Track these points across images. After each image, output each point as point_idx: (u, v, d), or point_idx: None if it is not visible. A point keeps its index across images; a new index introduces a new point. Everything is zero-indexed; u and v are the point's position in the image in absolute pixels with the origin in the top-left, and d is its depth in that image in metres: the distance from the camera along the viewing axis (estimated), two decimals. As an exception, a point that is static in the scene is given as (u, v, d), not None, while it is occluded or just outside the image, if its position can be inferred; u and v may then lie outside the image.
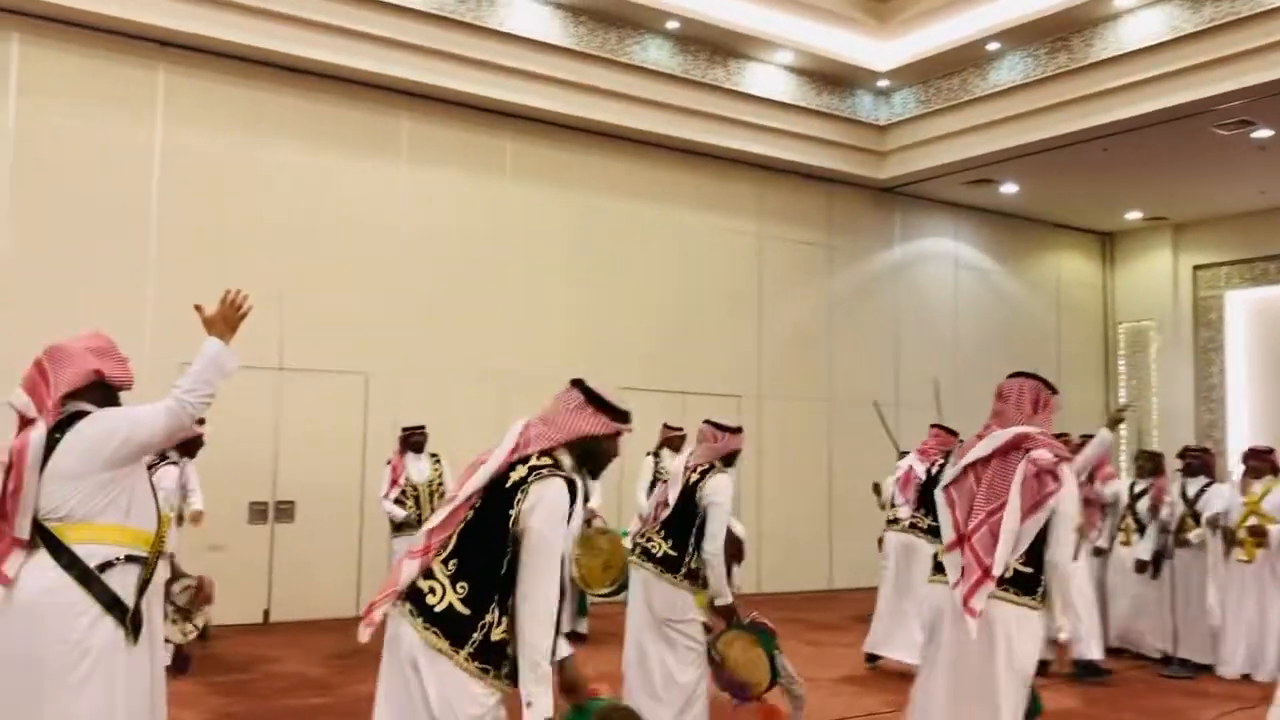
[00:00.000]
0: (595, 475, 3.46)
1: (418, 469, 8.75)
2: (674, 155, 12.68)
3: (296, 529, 10.27)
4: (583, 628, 8.98)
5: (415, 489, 8.65)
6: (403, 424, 9.20)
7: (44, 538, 3.42)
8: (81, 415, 3.54)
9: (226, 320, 3.62)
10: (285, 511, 10.27)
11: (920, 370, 13.42)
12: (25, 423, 3.56)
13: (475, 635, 3.01)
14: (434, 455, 8.98)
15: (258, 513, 10.11)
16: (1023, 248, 15.90)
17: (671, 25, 11.92)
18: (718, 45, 12.45)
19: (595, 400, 3.36)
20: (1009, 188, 14.19)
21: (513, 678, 3.05)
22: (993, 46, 12.15)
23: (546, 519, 3.07)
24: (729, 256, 13.12)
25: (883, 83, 13.35)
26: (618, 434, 3.39)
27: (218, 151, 10.07)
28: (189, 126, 9.96)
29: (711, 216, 13.01)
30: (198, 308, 3.65)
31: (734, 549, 7.12)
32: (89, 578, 3.39)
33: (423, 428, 8.95)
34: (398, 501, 8.71)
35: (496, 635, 3.03)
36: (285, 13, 9.92)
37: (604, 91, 11.71)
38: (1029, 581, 4.17)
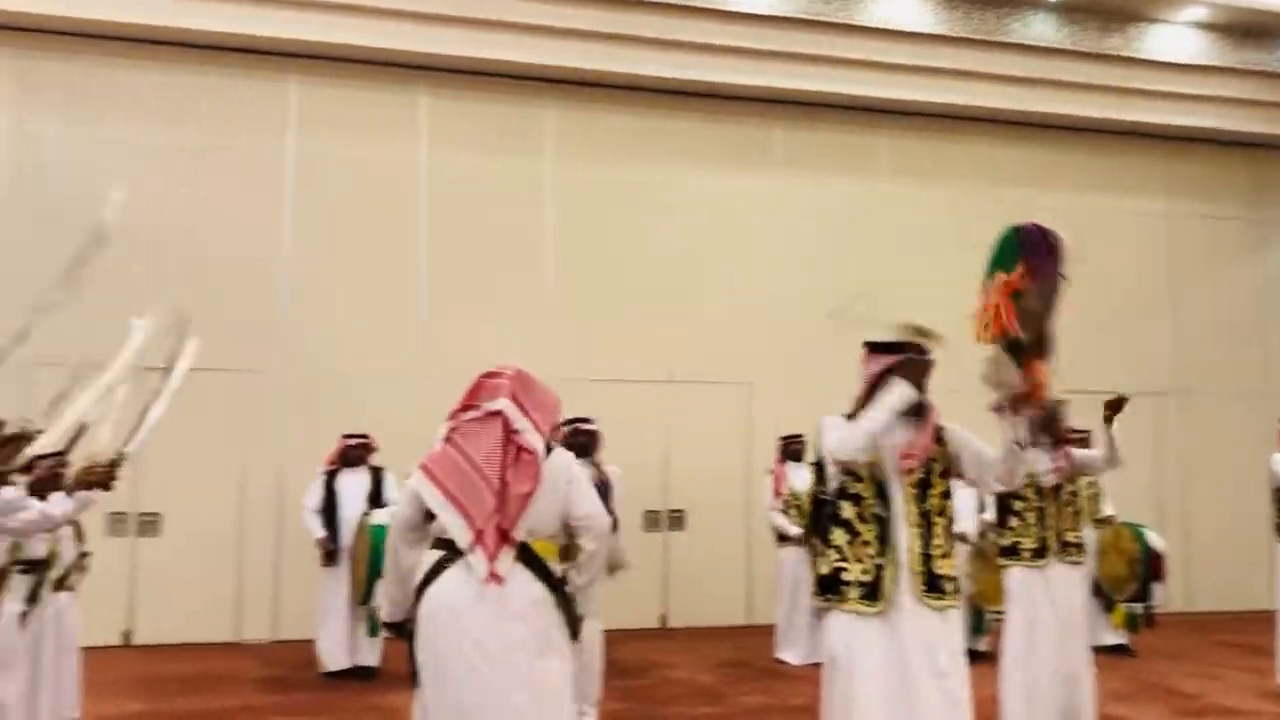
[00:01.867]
0: None
1: (798, 478, 8.65)
2: (1062, 135, 11.76)
3: (688, 537, 10.54)
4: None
5: (796, 498, 8.55)
6: (783, 433, 9.17)
7: (521, 546, 3.63)
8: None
9: None
10: (677, 520, 10.57)
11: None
12: (494, 414, 3.72)
13: None
14: (815, 464, 8.82)
15: (651, 520, 10.47)
16: None
17: (1055, -3, 11.08)
18: (1112, 11, 11.40)
19: None
20: None
21: None
22: None
23: None
24: (1132, 240, 11.94)
25: (1317, 28, 11.62)
26: None
27: (601, 178, 10.61)
28: (575, 157, 10.58)
29: (1109, 198, 11.90)
30: None
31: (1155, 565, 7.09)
32: (557, 587, 3.65)
33: (800, 436, 8.85)
34: (783, 511, 8.69)
35: None
36: (657, 38, 10.29)
37: (985, 75, 11.10)
38: None
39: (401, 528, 3.74)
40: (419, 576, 3.64)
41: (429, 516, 3.68)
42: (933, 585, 3.86)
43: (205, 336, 9.13)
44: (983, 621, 8.49)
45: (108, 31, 9.44)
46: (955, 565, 3.96)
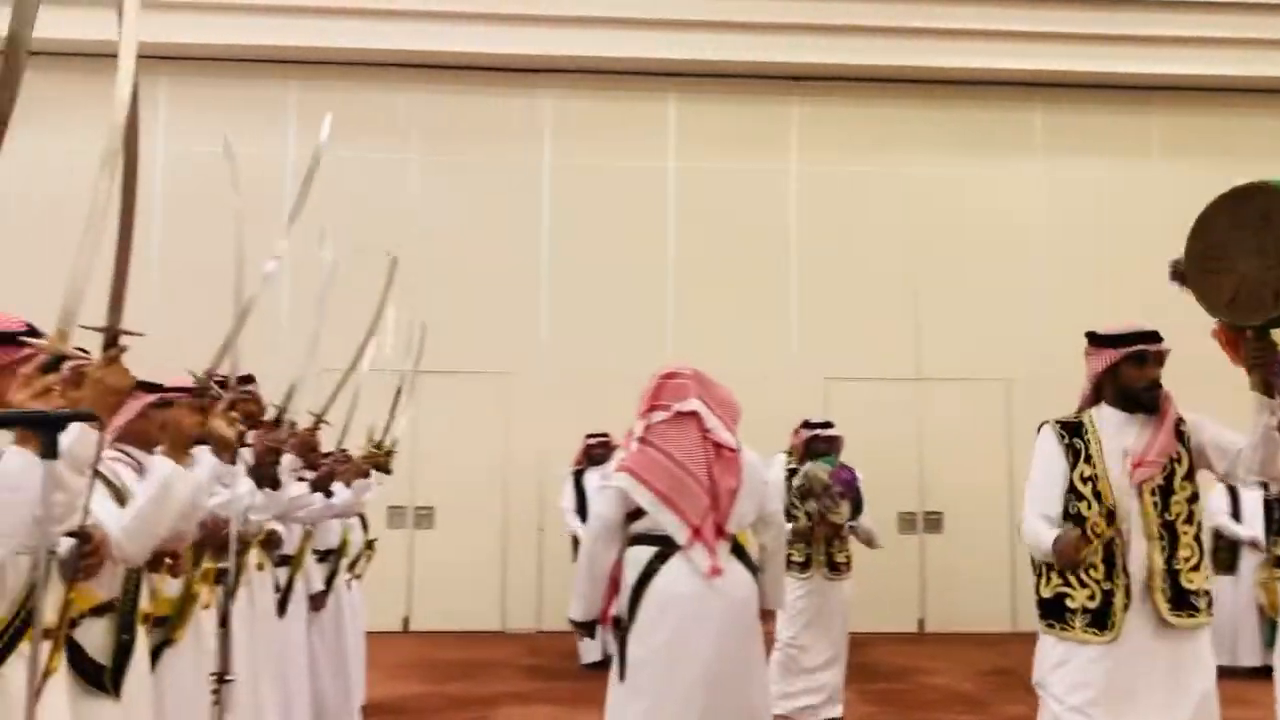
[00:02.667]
0: None
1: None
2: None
3: (946, 540, 10.21)
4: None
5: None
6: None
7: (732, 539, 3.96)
8: None
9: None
10: (933, 522, 10.27)
11: None
12: (686, 414, 3.98)
13: None
14: None
15: (906, 522, 10.22)
16: None
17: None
18: None
19: None
20: None
21: None
22: None
23: None
24: None
25: None
26: None
27: (845, 172, 10.46)
28: (819, 152, 10.48)
29: None
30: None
31: None
32: (757, 576, 3.98)
33: None
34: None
35: None
36: (911, 26, 10.06)
37: (1267, 42, 10.18)
38: None
39: (605, 530, 3.92)
40: (631, 574, 3.84)
41: (629, 518, 3.89)
42: (1181, 602, 3.39)
43: (470, 341, 9.72)
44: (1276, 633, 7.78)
45: (372, 59, 10.14)
46: (1208, 576, 3.49)
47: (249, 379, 4.28)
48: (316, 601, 5.30)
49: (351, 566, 6.06)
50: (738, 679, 3.79)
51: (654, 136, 10.48)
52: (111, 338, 2.35)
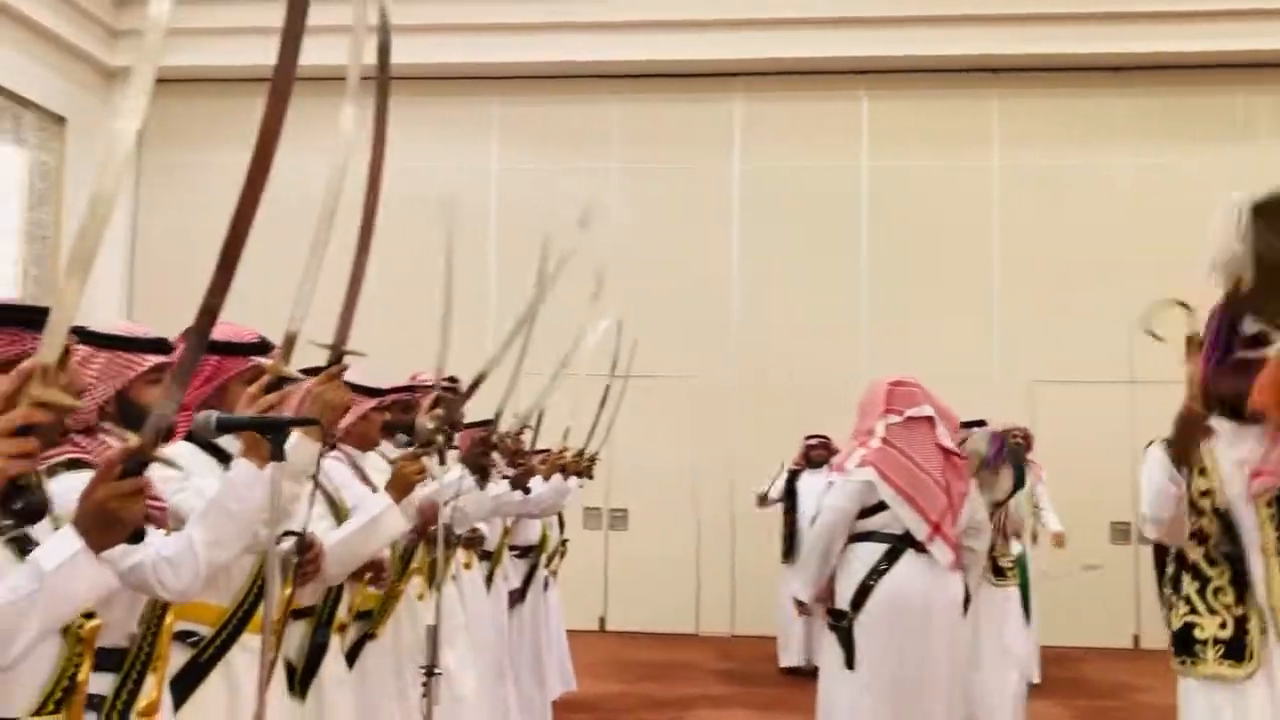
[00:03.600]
0: None
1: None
2: None
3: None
4: None
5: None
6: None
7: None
8: None
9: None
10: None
11: None
12: (919, 419, 4.24)
13: None
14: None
15: (1120, 533, 9.71)
16: None
17: None
18: None
19: None
20: None
21: None
22: None
23: None
24: None
25: None
26: None
27: (1049, 164, 10.02)
28: (1021, 144, 10.08)
29: None
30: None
31: None
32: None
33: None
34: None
35: None
36: (1109, 11, 9.59)
37: None
38: None
39: (843, 519, 4.12)
40: (859, 569, 4.06)
41: (864, 512, 4.11)
42: None
43: (663, 346, 9.81)
44: None
45: (569, 71, 10.36)
46: None
47: (452, 379, 4.45)
48: (514, 598, 5.45)
49: (548, 563, 6.22)
50: (957, 675, 4.12)
51: (846, 136, 10.32)
52: (336, 356, 2.48)
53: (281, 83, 1.75)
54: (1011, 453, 6.05)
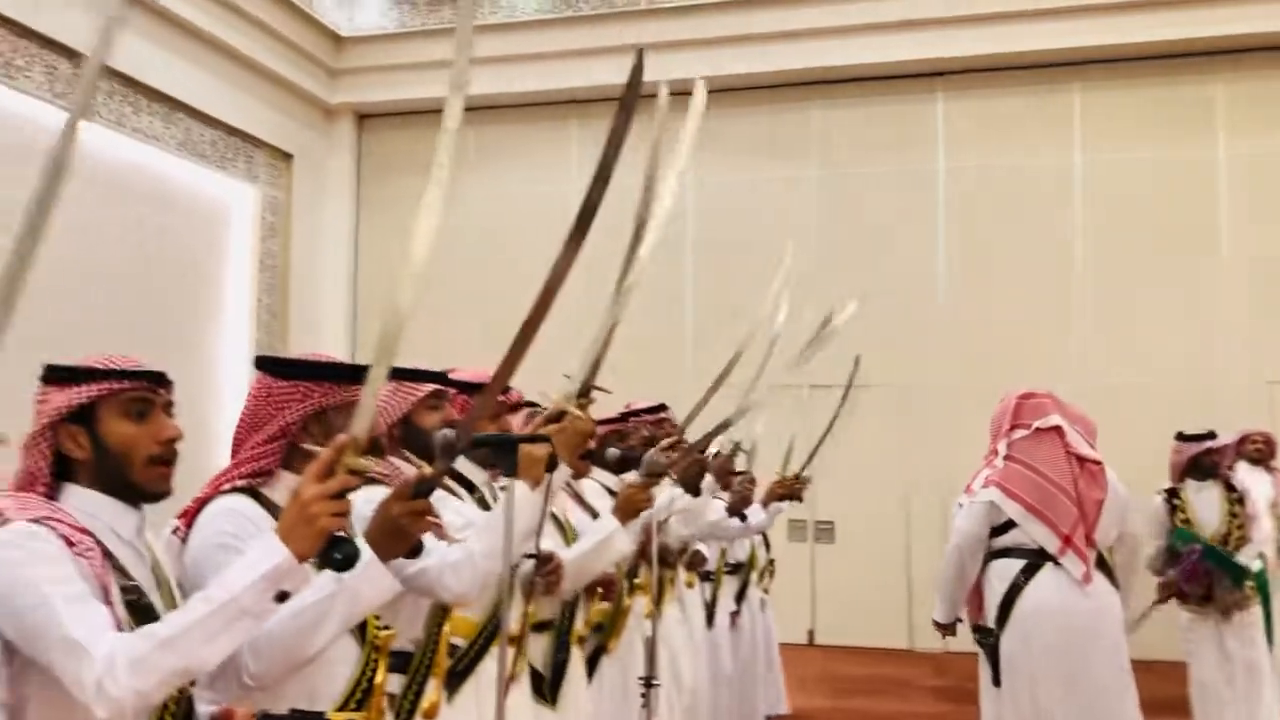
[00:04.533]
0: None
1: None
2: None
3: None
4: None
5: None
6: None
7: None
8: None
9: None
10: None
11: None
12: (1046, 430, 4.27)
13: None
14: None
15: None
16: None
17: None
18: None
19: None
20: None
21: None
22: None
23: None
24: None
25: None
26: None
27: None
28: (1252, 131, 9.39)
29: None
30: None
31: None
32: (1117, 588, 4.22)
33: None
34: None
35: None
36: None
37: None
38: None
39: (971, 542, 4.25)
40: (1000, 586, 4.13)
41: (994, 532, 4.19)
42: None
43: (870, 354, 9.60)
44: None
45: (777, 80, 10.30)
46: None
47: (662, 407, 4.54)
48: (732, 619, 5.53)
49: (759, 580, 6.20)
50: (1112, 689, 3.97)
51: (1057, 131, 9.86)
52: (585, 389, 2.66)
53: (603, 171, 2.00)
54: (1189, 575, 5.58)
